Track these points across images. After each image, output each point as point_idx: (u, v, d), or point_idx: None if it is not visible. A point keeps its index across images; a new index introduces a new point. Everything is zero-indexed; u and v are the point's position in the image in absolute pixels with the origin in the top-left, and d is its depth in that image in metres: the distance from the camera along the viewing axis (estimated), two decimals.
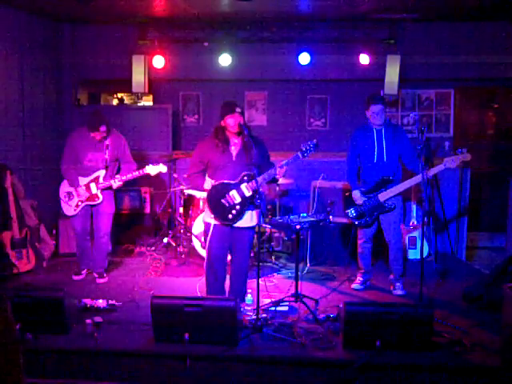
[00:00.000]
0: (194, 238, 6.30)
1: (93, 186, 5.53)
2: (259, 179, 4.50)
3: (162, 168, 5.67)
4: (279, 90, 8.08)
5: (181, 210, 6.84)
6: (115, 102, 9.72)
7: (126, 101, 9.79)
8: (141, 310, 4.76)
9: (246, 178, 4.56)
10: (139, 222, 7.47)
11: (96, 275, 5.73)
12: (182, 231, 6.72)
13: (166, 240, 6.99)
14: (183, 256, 6.50)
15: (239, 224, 4.66)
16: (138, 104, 9.70)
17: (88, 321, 4.27)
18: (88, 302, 4.78)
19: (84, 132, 5.52)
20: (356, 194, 5.28)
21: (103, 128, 5.41)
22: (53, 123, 7.41)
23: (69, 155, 5.58)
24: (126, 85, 7.68)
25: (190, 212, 6.67)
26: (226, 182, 4.59)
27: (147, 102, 9.45)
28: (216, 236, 4.67)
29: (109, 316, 4.61)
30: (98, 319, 4.38)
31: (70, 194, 5.55)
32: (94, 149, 5.52)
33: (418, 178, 5.02)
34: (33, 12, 6.80)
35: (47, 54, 7.32)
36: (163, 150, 7.64)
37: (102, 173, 5.54)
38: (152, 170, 5.61)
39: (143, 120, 7.86)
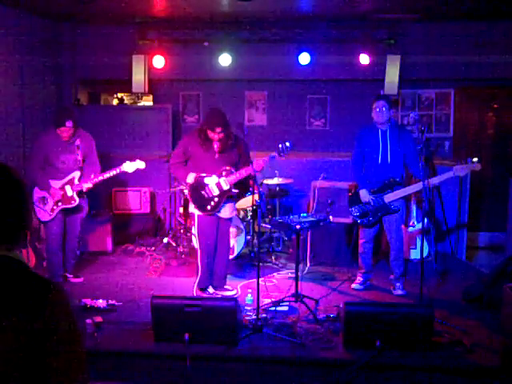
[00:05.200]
0: (193, 238, 6.29)
1: (68, 188, 5.38)
2: (237, 174, 4.96)
3: (139, 164, 5.52)
4: (279, 90, 8.07)
5: (181, 210, 6.84)
6: (115, 101, 9.72)
7: (126, 101, 9.79)
8: (141, 310, 4.76)
9: (224, 172, 5.01)
10: (139, 222, 7.46)
11: (70, 275, 5.71)
12: (182, 231, 6.72)
13: (166, 240, 6.99)
14: (183, 256, 6.50)
15: (224, 215, 5.15)
16: (138, 104, 9.70)
17: (88, 321, 4.27)
18: (88, 301, 4.79)
19: (53, 133, 5.34)
20: (363, 193, 5.28)
21: (69, 124, 5.23)
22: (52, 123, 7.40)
23: (37, 158, 5.37)
24: (126, 85, 7.68)
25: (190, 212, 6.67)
26: (206, 175, 5.01)
27: (147, 102, 9.45)
28: (204, 224, 5.12)
29: (109, 316, 4.62)
30: (98, 319, 4.38)
31: (43, 199, 5.34)
32: (66, 150, 5.37)
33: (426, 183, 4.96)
34: (33, 12, 6.80)
35: (47, 54, 7.32)
36: (163, 150, 7.63)
37: (76, 174, 5.40)
38: (129, 167, 5.47)
39: (143, 120, 7.86)
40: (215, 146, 5.03)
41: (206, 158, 5.02)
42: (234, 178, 4.99)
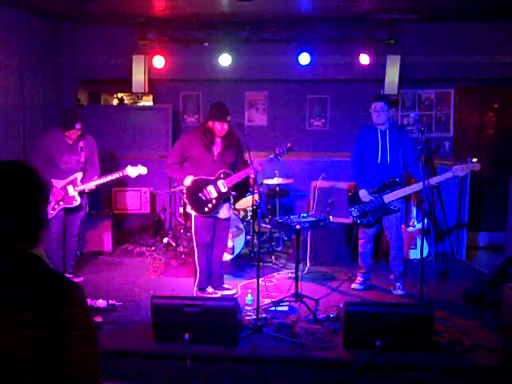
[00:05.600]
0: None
1: (70, 188, 5.43)
2: (235, 177, 4.99)
3: (141, 170, 5.65)
4: (279, 90, 8.08)
5: (181, 210, 6.84)
6: (115, 101, 9.72)
7: (126, 101, 9.78)
8: (141, 310, 4.76)
9: (222, 175, 5.01)
10: (139, 222, 7.46)
11: (70, 275, 5.68)
12: (182, 231, 6.72)
13: (166, 240, 6.99)
14: (183, 256, 6.49)
15: (222, 215, 5.14)
16: (138, 104, 9.70)
17: None
18: (88, 302, 4.77)
19: (57, 134, 5.38)
20: (363, 193, 5.28)
21: (79, 125, 5.31)
22: (53, 123, 7.39)
23: (38, 158, 5.37)
24: (126, 85, 7.68)
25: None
26: (204, 177, 5.01)
27: (147, 102, 9.45)
28: (200, 225, 5.11)
29: (109, 316, 4.62)
30: (98, 319, 4.38)
31: None
32: (70, 151, 5.41)
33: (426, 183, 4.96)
34: (33, 12, 6.80)
35: (47, 54, 7.32)
36: (163, 150, 7.63)
37: (79, 175, 5.47)
38: (132, 171, 5.60)
39: (143, 120, 7.86)
40: (214, 147, 5.03)
41: (206, 159, 5.00)
42: (232, 180, 5.00)
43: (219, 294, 5.20)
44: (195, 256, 5.18)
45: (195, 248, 5.17)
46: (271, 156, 4.96)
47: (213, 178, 5.01)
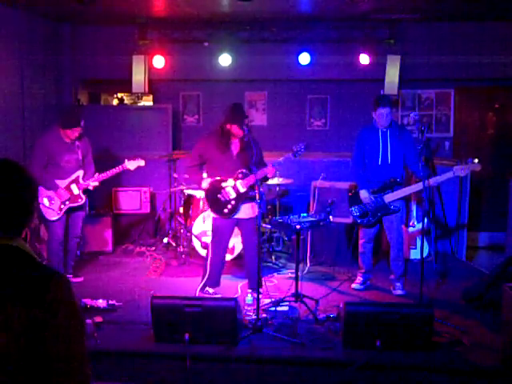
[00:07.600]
0: (194, 238, 6.29)
1: (74, 186, 5.44)
2: (253, 176, 4.84)
3: (139, 162, 5.70)
4: (279, 90, 8.08)
5: (181, 209, 6.84)
6: (115, 101, 9.71)
7: (126, 101, 9.77)
8: (141, 310, 4.76)
9: (240, 175, 4.93)
10: (139, 221, 7.47)
11: (70, 275, 5.69)
12: (182, 231, 6.72)
13: (166, 240, 6.99)
14: (183, 256, 6.49)
15: (241, 216, 5.02)
16: (138, 104, 9.69)
17: (88, 321, 4.26)
18: (88, 302, 4.79)
19: (56, 133, 5.38)
20: (364, 193, 5.29)
21: (82, 123, 5.34)
22: (53, 123, 7.38)
23: (40, 158, 5.36)
24: (126, 85, 7.68)
25: (190, 212, 6.66)
26: (222, 179, 4.96)
27: (147, 102, 9.44)
28: (218, 226, 5.06)
29: (109, 316, 4.62)
30: (98, 319, 4.38)
31: (50, 198, 5.35)
32: (69, 150, 5.42)
33: (426, 183, 4.97)
34: (33, 12, 6.80)
35: (47, 53, 7.31)
36: (163, 150, 7.63)
37: (80, 173, 5.49)
38: (131, 164, 5.63)
39: (143, 120, 7.85)
40: (232, 147, 5.00)
41: (224, 160, 4.97)
42: (251, 180, 4.88)
43: (219, 295, 5.17)
44: (208, 257, 5.10)
45: (210, 249, 5.11)
46: (288, 155, 4.87)
47: (231, 179, 4.98)
